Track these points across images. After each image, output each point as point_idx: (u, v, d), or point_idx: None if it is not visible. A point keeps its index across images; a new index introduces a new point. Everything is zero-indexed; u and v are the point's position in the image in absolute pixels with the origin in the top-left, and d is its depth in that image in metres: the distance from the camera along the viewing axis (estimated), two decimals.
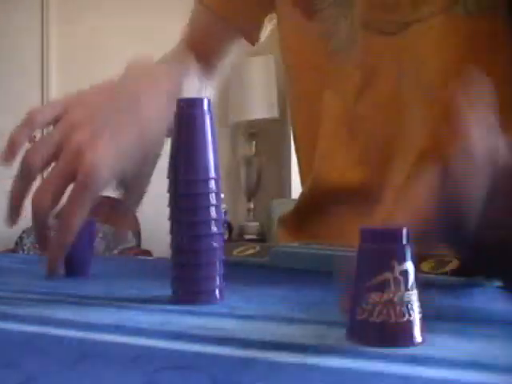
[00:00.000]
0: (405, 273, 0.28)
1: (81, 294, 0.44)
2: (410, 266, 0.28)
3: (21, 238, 3.05)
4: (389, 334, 0.27)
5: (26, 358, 0.25)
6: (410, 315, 0.27)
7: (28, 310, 0.37)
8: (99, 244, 3.09)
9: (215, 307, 0.37)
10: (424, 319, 0.28)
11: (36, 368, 0.24)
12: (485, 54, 0.59)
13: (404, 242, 0.28)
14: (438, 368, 0.24)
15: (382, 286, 0.27)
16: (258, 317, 0.34)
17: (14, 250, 2.97)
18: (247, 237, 2.67)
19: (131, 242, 3.15)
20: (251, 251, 0.55)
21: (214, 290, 0.39)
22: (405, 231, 0.28)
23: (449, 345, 0.27)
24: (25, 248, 2.97)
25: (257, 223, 2.78)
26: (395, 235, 0.28)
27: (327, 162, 0.68)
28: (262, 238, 2.68)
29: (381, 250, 0.28)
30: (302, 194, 0.73)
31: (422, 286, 0.29)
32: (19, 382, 0.22)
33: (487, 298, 0.39)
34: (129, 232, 3.18)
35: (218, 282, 0.39)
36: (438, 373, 0.23)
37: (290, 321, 0.33)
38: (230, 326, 0.32)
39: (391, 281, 0.27)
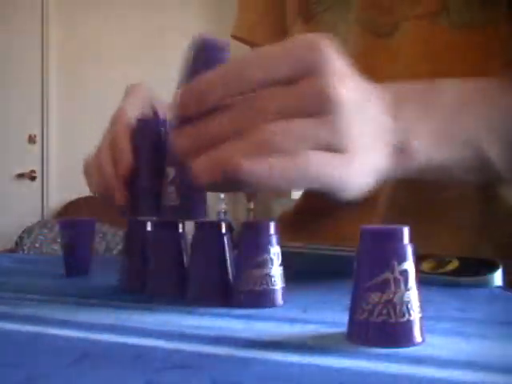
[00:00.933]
0: (405, 272, 0.28)
1: (81, 294, 0.44)
2: (410, 265, 0.28)
3: (21, 237, 3.05)
4: (389, 333, 0.27)
5: (26, 358, 0.26)
6: (409, 315, 0.27)
7: (28, 310, 0.37)
8: (99, 244, 3.09)
9: (215, 307, 0.37)
10: (424, 319, 0.28)
11: (36, 368, 0.24)
12: (472, 65, 0.58)
13: (404, 241, 0.28)
14: (438, 368, 0.24)
15: (382, 286, 0.27)
16: (258, 317, 0.34)
17: (13, 250, 2.97)
18: None
19: None
20: None
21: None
22: (405, 231, 0.28)
23: (449, 345, 0.27)
24: (25, 248, 2.97)
25: None
26: (395, 235, 0.28)
27: None
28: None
29: (381, 250, 0.28)
30: (302, 194, 0.73)
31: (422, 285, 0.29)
32: (20, 381, 0.22)
33: (487, 298, 0.39)
34: None
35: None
36: (438, 373, 0.23)
37: (290, 321, 0.33)
38: (230, 325, 0.32)
39: (391, 281, 0.27)
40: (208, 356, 0.26)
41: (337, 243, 0.55)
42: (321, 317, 0.34)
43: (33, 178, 3.50)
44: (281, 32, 0.77)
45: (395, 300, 0.27)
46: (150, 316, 0.35)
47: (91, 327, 0.32)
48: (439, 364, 0.24)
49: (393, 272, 0.27)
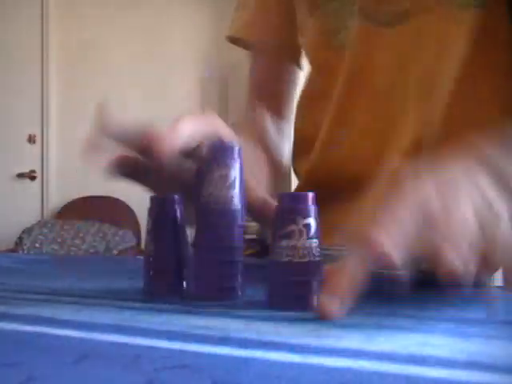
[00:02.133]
0: (308, 226, 0.36)
1: (81, 293, 0.44)
2: (312, 221, 0.36)
3: (21, 238, 3.05)
4: (294, 270, 0.36)
5: (26, 358, 0.26)
6: (310, 257, 0.36)
7: (28, 309, 0.37)
8: (99, 244, 3.09)
9: (215, 307, 0.37)
10: (424, 319, 0.28)
11: (37, 368, 0.24)
12: (486, 50, 0.58)
13: (309, 203, 0.37)
14: (438, 368, 0.24)
15: (290, 235, 0.36)
16: (258, 317, 0.34)
17: (14, 250, 2.97)
18: (247, 236, 2.67)
19: (131, 241, 3.15)
20: (251, 251, 0.55)
21: (236, 287, 0.40)
22: (311, 195, 0.37)
23: (449, 345, 0.27)
24: (25, 248, 2.98)
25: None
26: (302, 198, 0.37)
27: (321, 155, 0.68)
28: (262, 237, 2.68)
29: (290, 208, 0.37)
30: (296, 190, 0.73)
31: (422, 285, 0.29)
32: (20, 381, 0.22)
33: (487, 298, 0.39)
34: (129, 232, 3.18)
35: (239, 280, 0.41)
36: (437, 373, 0.23)
37: (290, 321, 0.33)
38: (230, 325, 0.32)
39: (296, 231, 0.36)
40: (208, 356, 0.26)
41: (334, 242, 0.55)
42: None
43: (33, 178, 3.50)
44: (281, 28, 0.76)
45: (299, 245, 0.36)
46: (151, 316, 0.35)
47: (91, 327, 0.32)
48: (440, 364, 0.24)
49: (298, 225, 0.36)
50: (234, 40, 0.80)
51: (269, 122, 0.76)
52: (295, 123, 0.76)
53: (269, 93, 0.80)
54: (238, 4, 0.80)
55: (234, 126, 0.52)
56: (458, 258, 0.32)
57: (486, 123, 0.51)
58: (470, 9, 0.57)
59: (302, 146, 0.73)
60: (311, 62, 0.73)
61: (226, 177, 0.39)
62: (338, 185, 0.66)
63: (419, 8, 0.60)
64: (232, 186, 0.39)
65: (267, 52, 0.79)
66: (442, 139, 0.55)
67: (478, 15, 0.57)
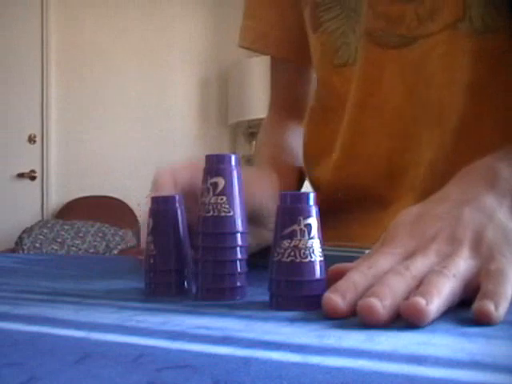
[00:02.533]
0: (309, 226, 0.36)
1: (81, 293, 0.44)
2: (313, 221, 0.36)
3: (21, 238, 3.05)
4: (295, 270, 0.36)
5: (27, 358, 0.26)
6: (311, 257, 0.36)
7: (29, 309, 0.37)
8: (99, 244, 3.09)
9: (216, 307, 0.37)
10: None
11: (38, 368, 0.24)
12: (493, 72, 0.58)
13: (310, 203, 0.36)
14: (438, 368, 0.24)
15: (291, 235, 0.36)
16: (259, 316, 0.34)
17: (14, 250, 2.97)
18: None
19: (131, 241, 3.15)
20: (252, 251, 0.55)
21: (237, 288, 0.40)
22: (312, 195, 0.36)
23: (449, 345, 0.27)
24: (25, 248, 2.97)
25: None
26: (303, 198, 0.36)
27: (333, 172, 0.68)
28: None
29: (291, 208, 0.36)
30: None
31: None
32: (22, 381, 0.22)
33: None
34: (129, 231, 3.18)
35: (241, 279, 0.40)
36: (437, 372, 0.23)
37: (290, 321, 0.33)
38: (231, 325, 0.32)
39: (298, 231, 0.36)
40: (209, 355, 0.26)
41: (341, 243, 0.55)
42: (321, 317, 0.34)
43: (33, 178, 3.50)
44: (295, 39, 0.77)
45: (300, 245, 0.35)
46: (151, 315, 0.35)
47: (92, 327, 0.32)
48: (440, 364, 0.24)
49: (299, 224, 0.36)
50: (248, 48, 0.81)
51: (294, 134, 0.79)
52: (305, 134, 0.76)
53: (290, 103, 0.83)
54: (247, 13, 0.80)
55: (256, 147, 0.53)
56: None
57: (494, 147, 0.51)
58: (477, 35, 0.57)
59: (312, 157, 0.73)
60: (317, 78, 0.74)
61: (215, 184, 0.40)
62: (352, 198, 0.67)
63: (427, 32, 0.59)
64: (222, 193, 0.40)
65: (286, 61, 0.81)
66: (454, 163, 0.55)
67: (487, 41, 0.57)
